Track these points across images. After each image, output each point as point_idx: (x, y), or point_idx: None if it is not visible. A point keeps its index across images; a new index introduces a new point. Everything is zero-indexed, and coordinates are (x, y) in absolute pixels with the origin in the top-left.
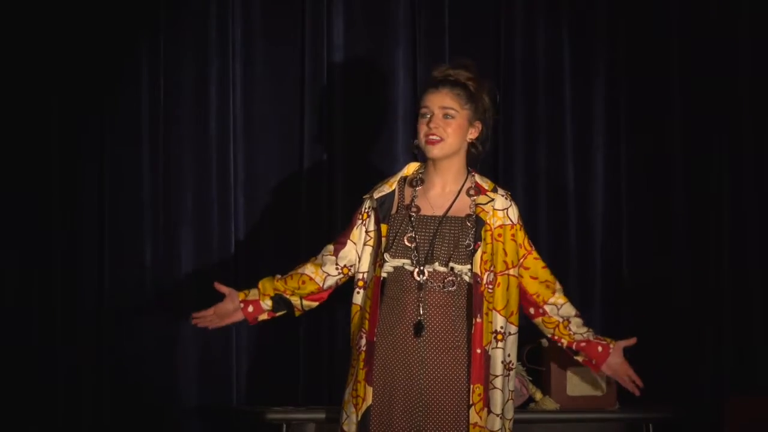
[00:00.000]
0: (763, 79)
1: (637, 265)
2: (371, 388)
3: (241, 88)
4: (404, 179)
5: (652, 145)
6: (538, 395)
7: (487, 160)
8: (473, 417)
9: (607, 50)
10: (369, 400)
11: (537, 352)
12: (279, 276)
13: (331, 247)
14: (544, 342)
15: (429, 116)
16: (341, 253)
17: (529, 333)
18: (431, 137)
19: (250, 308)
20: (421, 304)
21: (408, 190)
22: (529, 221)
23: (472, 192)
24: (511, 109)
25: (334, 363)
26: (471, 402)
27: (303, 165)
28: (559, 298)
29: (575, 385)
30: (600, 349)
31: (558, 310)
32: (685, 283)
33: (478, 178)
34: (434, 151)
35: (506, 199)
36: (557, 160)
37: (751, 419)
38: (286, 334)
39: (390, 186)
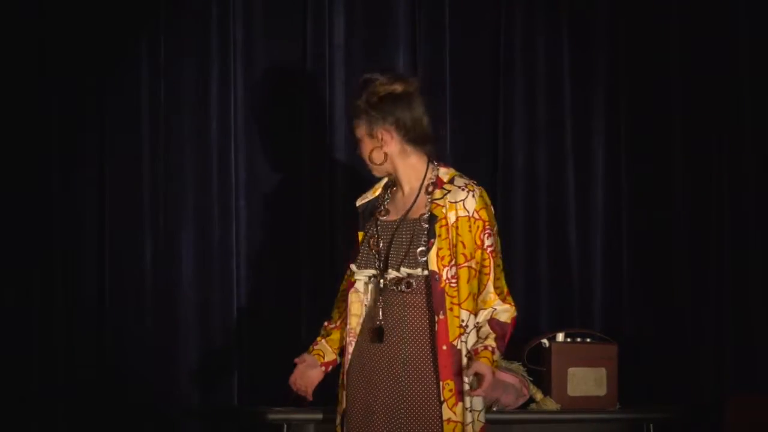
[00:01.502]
0: (763, 79)
1: (637, 265)
2: (345, 392)
3: (241, 88)
4: (385, 184)
5: (652, 145)
6: (539, 395)
7: (487, 161)
8: (446, 413)
9: (607, 50)
10: (344, 404)
11: (538, 353)
12: (334, 323)
13: (353, 264)
14: (545, 342)
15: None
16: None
17: (529, 333)
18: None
19: (330, 368)
20: (380, 310)
21: (384, 195)
22: (528, 221)
23: (430, 188)
24: (511, 109)
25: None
26: (442, 398)
27: (304, 165)
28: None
29: (576, 386)
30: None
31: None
32: (685, 283)
33: (441, 171)
34: (374, 174)
35: (463, 189)
36: (557, 160)
37: (751, 419)
38: (287, 335)
39: (374, 192)
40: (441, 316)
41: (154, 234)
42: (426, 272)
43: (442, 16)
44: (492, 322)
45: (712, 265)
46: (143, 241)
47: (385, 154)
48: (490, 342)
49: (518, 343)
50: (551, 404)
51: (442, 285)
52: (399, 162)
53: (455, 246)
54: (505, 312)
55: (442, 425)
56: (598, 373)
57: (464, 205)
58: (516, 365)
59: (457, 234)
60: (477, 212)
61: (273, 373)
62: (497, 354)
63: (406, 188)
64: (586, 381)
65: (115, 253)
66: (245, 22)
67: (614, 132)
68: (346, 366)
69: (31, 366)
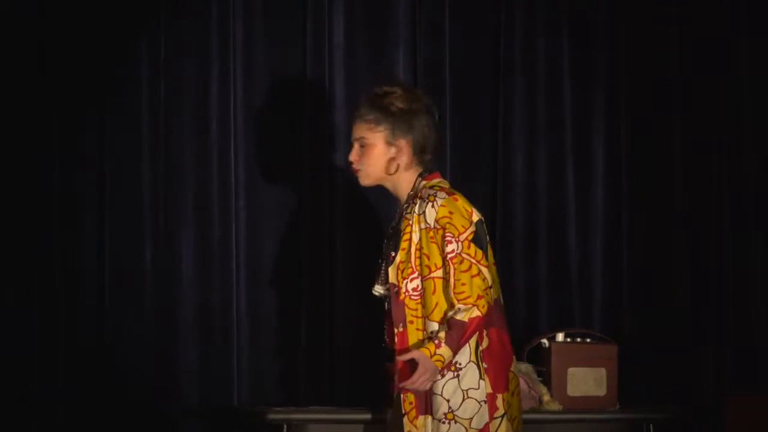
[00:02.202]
0: (763, 79)
1: (637, 265)
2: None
3: (241, 88)
4: None
5: (652, 145)
6: (546, 397)
7: (487, 161)
8: (407, 426)
9: (606, 50)
10: None
11: (537, 353)
12: None
13: None
14: (545, 342)
15: (351, 148)
16: None
17: (529, 333)
18: (353, 168)
19: None
20: (386, 327)
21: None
22: (528, 221)
23: (409, 202)
24: (511, 110)
25: (335, 363)
26: (403, 411)
27: (304, 165)
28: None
29: (576, 386)
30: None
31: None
32: (685, 283)
33: (422, 183)
34: (360, 182)
35: (425, 200)
36: (557, 160)
37: (752, 419)
38: (287, 335)
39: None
40: (400, 329)
41: (154, 234)
42: (383, 290)
43: (443, 16)
44: (449, 321)
45: (712, 265)
46: (143, 241)
47: (398, 165)
48: (441, 335)
49: (519, 343)
50: (555, 406)
51: (402, 297)
52: (400, 175)
53: (420, 258)
54: (465, 311)
55: None
56: (598, 374)
57: (425, 217)
58: (526, 366)
59: (421, 246)
60: (437, 221)
61: (273, 373)
62: (444, 348)
63: (400, 205)
64: (586, 381)
65: (115, 253)
66: (245, 22)
67: (614, 132)
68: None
69: (31, 365)
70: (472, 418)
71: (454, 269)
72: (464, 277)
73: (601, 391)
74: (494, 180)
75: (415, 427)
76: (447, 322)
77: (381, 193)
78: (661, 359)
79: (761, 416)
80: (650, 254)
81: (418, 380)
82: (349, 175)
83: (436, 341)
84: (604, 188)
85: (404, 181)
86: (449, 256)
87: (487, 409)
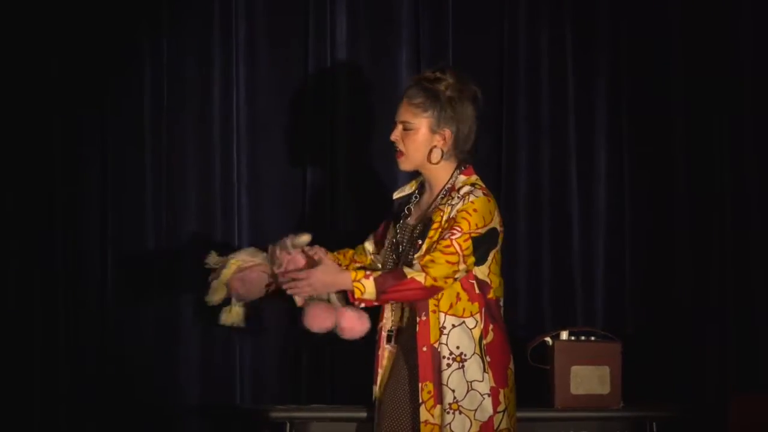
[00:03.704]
0: (765, 78)
1: (639, 265)
2: (375, 387)
3: (244, 87)
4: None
5: (654, 144)
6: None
7: (490, 160)
8: (423, 414)
9: (609, 49)
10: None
11: (541, 351)
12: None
13: (371, 235)
14: (548, 340)
15: (393, 129)
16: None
17: (533, 331)
18: (395, 150)
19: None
20: (392, 312)
21: (415, 194)
22: (531, 220)
23: (443, 193)
24: (514, 108)
25: (336, 362)
26: (421, 400)
27: (306, 165)
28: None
29: (579, 384)
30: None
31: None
32: (688, 282)
33: (460, 178)
34: (400, 165)
35: (461, 197)
36: (560, 158)
37: (755, 417)
38: (288, 333)
39: (411, 187)
40: (423, 317)
41: (157, 232)
42: None
43: (446, 14)
44: (395, 269)
45: (714, 264)
46: (145, 240)
47: (441, 154)
48: (376, 272)
49: (522, 342)
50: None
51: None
52: (439, 165)
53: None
54: (415, 271)
55: (412, 427)
56: (602, 372)
57: (455, 209)
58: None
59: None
60: (458, 212)
61: (275, 372)
62: (370, 283)
63: (429, 194)
64: (589, 379)
65: (118, 252)
66: (248, 21)
67: (617, 131)
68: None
69: (32, 366)
70: (476, 410)
71: (439, 244)
72: (439, 256)
73: (605, 390)
74: (497, 178)
75: (432, 416)
76: (392, 269)
77: (382, 191)
78: (664, 357)
79: (764, 415)
80: (653, 253)
81: (303, 281)
82: (351, 172)
83: (368, 272)
84: (607, 187)
85: (442, 171)
86: (453, 237)
87: (490, 402)
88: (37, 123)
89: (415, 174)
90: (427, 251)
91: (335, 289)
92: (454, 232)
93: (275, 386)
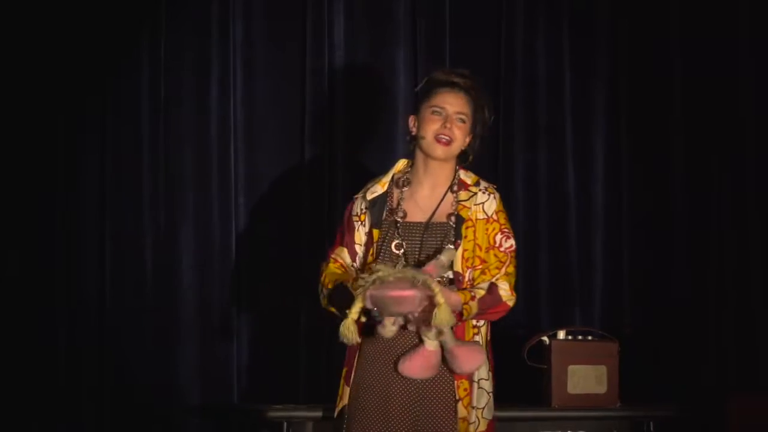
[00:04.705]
0: (763, 78)
1: (638, 265)
2: (348, 388)
3: (241, 87)
4: (393, 178)
5: (652, 145)
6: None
7: (487, 161)
8: (461, 411)
9: (607, 50)
10: (345, 400)
11: (538, 350)
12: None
13: (345, 250)
14: (546, 340)
15: (444, 115)
16: (357, 259)
17: (530, 330)
18: (442, 137)
19: None
20: None
21: (396, 192)
22: (529, 221)
23: (455, 188)
24: (512, 109)
25: (334, 361)
26: (458, 397)
27: (304, 164)
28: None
29: (576, 383)
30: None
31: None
32: (686, 281)
33: (462, 173)
34: (439, 151)
35: (485, 193)
36: (557, 160)
37: (753, 416)
38: (286, 333)
39: (382, 186)
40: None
41: (155, 233)
42: (450, 274)
43: (443, 15)
44: (491, 286)
45: (713, 263)
46: (143, 240)
47: (461, 148)
48: (479, 292)
49: (519, 341)
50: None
51: (464, 286)
52: (451, 159)
53: (474, 249)
54: (506, 291)
55: (457, 423)
56: (599, 371)
57: (483, 208)
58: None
59: (475, 237)
60: (495, 214)
61: (273, 372)
62: (474, 304)
63: (429, 189)
64: (586, 378)
65: (116, 253)
66: (245, 21)
67: (615, 132)
68: (354, 363)
69: (32, 366)
70: (483, 408)
71: (510, 263)
72: (513, 273)
73: (602, 389)
74: (494, 179)
75: (468, 412)
76: (489, 288)
77: None
78: (662, 357)
79: (762, 414)
80: (651, 252)
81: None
82: (349, 172)
83: (473, 293)
84: (605, 187)
85: (449, 167)
86: (508, 249)
87: (493, 402)
88: (37, 123)
89: (374, 173)
90: (497, 268)
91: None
92: (508, 237)
93: (273, 386)
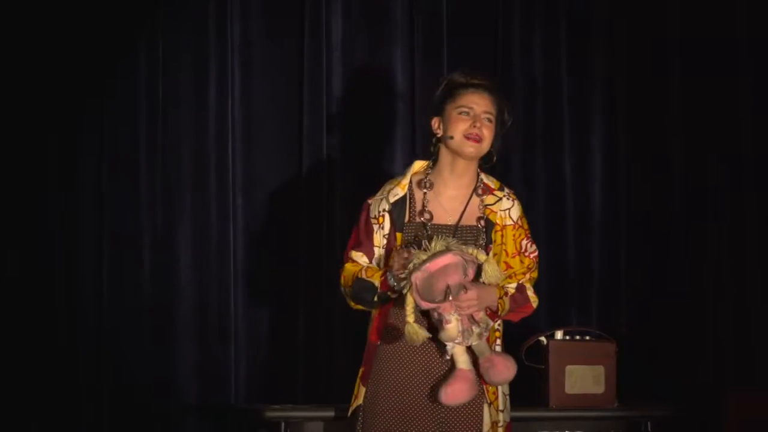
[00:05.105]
0: (762, 78)
1: (636, 264)
2: (364, 388)
3: (239, 87)
4: (412, 180)
5: (650, 146)
6: (482, 256)
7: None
8: (494, 415)
9: (604, 51)
10: (360, 400)
11: (536, 350)
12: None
13: (362, 254)
14: (543, 340)
15: (472, 115)
16: (373, 261)
17: (527, 330)
18: (474, 135)
19: None
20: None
21: (418, 193)
22: (527, 220)
23: (480, 191)
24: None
25: (332, 361)
26: (488, 400)
27: (302, 164)
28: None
29: (574, 383)
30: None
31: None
32: (683, 280)
33: (484, 177)
34: (471, 149)
35: (508, 198)
36: (555, 160)
37: (750, 415)
38: (284, 333)
39: (402, 188)
40: (490, 322)
41: (152, 234)
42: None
43: (440, 15)
44: (520, 286)
45: (710, 263)
46: (141, 241)
47: (493, 155)
48: (510, 290)
49: (517, 341)
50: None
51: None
52: (476, 160)
53: (501, 254)
54: (532, 293)
55: (482, 425)
56: (596, 371)
57: (509, 214)
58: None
59: (503, 242)
60: (520, 219)
61: (271, 372)
62: (507, 300)
63: (454, 190)
64: (584, 379)
65: (113, 253)
66: (243, 21)
67: (612, 132)
68: (372, 363)
69: (31, 366)
70: (503, 410)
71: (535, 268)
72: (535, 278)
73: (600, 389)
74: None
75: (498, 417)
76: (518, 287)
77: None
78: (659, 357)
79: (759, 413)
80: (648, 252)
81: (473, 299)
82: (347, 173)
83: (506, 289)
84: (602, 187)
85: (474, 168)
86: (532, 255)
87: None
88: (34, 123)
89: (387, 171)
90: (523, 273)
91: (485, 305)
92: (532, 243)
93: (271, 386)
